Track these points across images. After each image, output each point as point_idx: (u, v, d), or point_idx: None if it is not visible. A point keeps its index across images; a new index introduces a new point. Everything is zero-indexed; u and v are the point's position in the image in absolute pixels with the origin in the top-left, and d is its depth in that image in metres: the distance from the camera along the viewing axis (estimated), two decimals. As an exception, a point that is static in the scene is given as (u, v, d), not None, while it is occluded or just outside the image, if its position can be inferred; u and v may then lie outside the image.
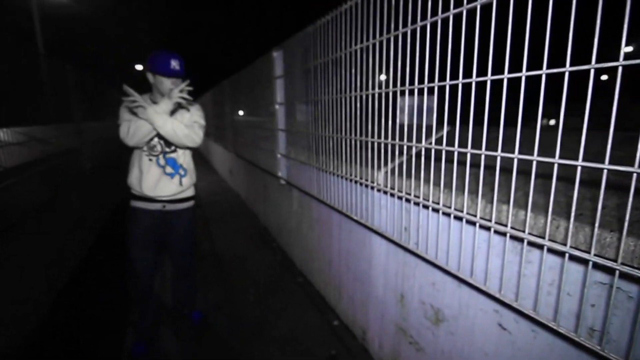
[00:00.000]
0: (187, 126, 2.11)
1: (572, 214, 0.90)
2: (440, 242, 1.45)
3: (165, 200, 2.16)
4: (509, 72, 1.05)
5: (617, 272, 0.84)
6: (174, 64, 2.00)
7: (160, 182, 2.12)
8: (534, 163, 1.00)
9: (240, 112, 5.48)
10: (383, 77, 1.71)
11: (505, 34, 1.06)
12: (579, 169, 0.88)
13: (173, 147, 2.16)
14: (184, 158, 2.22)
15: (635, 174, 0.77)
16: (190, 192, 2.27)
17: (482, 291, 1.27)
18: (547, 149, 1.09)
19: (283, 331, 2.44)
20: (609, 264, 0.84)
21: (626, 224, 0.79)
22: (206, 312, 2.66)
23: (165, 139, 2.09)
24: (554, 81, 1.00)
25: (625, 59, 0.79)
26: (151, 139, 2.08)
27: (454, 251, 1.39)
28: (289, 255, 3.68)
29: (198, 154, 13.62)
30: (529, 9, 0.97)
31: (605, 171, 0.84)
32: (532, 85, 1.05)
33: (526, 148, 1.12)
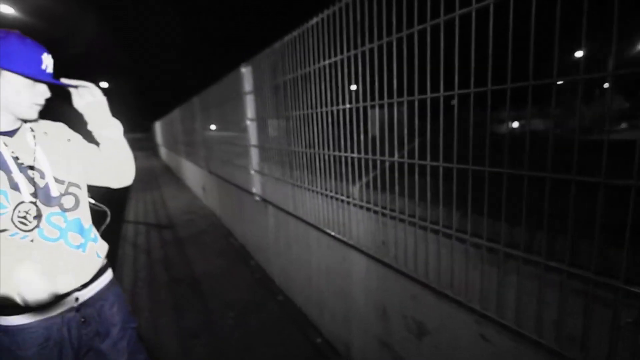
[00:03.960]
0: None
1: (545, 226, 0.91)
2: (418, 255, 1.44)
3: (79, 286, 1.15)
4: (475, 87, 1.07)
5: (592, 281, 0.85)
6: (47, 62, 1.08)
7: (65, 265, 1.10)
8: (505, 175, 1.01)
9: (212, 129, 5.39)
10: (353, 87, 1.71)
11: (469, 49, 1.08)
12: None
13: (72, 197, 1.15)
14: (87, 211, 1.23)
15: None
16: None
17: (462, 303, 1.27)
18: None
19: (265, 355, 2.36)
20: (585, 273, 0.85)
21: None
22: (182, 341, 2.53)
23: (37, 186, 1.07)
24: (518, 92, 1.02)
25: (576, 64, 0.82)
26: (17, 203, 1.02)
27: (432, 264, 1.39)
28: (267, 273, 3.59)
29: (169, 172, 13.25)
30: (490, 26, 1.00)
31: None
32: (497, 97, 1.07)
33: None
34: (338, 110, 1.82)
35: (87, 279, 1.17)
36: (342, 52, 1.70)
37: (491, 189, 1.06)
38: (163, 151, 17.23)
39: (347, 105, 1.73)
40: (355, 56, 1.61)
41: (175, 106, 9.57)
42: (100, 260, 1.23)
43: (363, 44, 1.56)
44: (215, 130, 5.22)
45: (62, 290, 1.09)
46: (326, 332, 2.48)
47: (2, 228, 0.99)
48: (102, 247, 1.26)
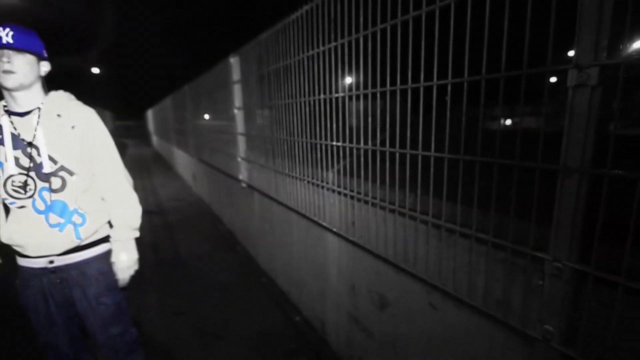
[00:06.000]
0: (116, 188, 1.43)
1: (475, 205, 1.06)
2: (380, 234, 1.59)
3: (52, 255, 1.33)
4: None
5: (509, 249, 1.00)
6: (1, 34, 1.15)
7: (39, 236, 1.28)
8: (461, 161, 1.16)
9: (202, 117, 5.47)
10: (336, 81, 1.84)
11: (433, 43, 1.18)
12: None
13: (60, 180, 1.28)
14: (84, 198, 1.34)
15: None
16: (97, 235, 1.41)
17: (415, 275, 1.42)
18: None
19: (247, 332, 2.51)
20: (502, 242, 1.00)
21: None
22: (167, 317, 2.68)
23: (34, 162, 1.25)
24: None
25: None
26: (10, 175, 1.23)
27: (391, 241, 1.54)
28: (253, 256, 3.74)
29: (161, 160, 13.27)
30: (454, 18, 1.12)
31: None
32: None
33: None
34: (315, 101, 1.94)
35: (58, 252, 1.33)
36: (318, 46, 1.83)
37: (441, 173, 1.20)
38: (155, 139, 17.19)
39: (322, 96, 1.86)
40: (330, 50, 1.74)
41: (167, 94, 9.59)
42: (79, 241, 1.34)
43: (336, 39, 1.68)
44: (204, 119, 5.31)
45: (32, 253, 1.31)
46: (305, 310, 2.64)
47: None
48: (88, 229, 1.35)
